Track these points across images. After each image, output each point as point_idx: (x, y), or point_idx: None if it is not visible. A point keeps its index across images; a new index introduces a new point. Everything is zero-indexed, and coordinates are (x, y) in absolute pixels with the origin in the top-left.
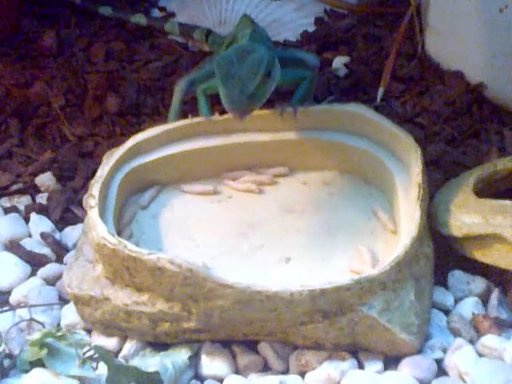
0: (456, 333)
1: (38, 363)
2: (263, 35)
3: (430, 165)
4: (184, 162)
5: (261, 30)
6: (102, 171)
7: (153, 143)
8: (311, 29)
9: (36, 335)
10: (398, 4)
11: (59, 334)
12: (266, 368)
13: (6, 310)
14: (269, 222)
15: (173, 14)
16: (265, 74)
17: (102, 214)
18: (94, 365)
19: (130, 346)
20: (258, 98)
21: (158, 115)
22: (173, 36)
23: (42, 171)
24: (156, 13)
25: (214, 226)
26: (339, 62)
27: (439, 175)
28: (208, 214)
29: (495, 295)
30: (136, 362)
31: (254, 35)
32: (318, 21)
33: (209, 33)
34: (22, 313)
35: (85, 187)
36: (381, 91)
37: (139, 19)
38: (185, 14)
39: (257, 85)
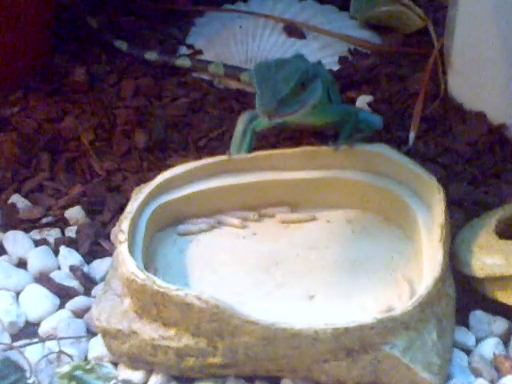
0: (477, 373)
1: None
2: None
3: (451, 204)
4: (211, 198)
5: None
6: (132, 207)
7: (181, 180)
8: (335, 67)
9: (65, 368)
10: (422, 44)
11: (88, 366)
12: None
13: (36, 342)
14: (293, 258)
15: (200, 52)
16: (299, 83)
17: (131, 249)
18: None
19: (155, 380)
20: (289, 105)
21: (185, 151)
22: (216, 77)
23: (72, 205)
24: (183, 50)
25: (238, 262)
26: (362, 101)
27: (461, 215)
28: (233, 250)
29: None
30: None
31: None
32: (342, 60)
33: None
34: (51, 345)
35: (113, 221)
36: (412, 135)
37: (183, 62)
38: (212, 51)
39: (289, 91)
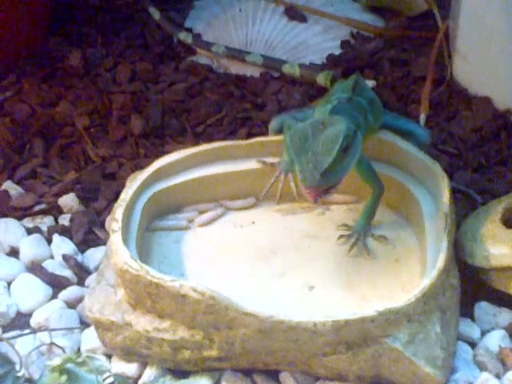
0: (482, 366)
1: None
2: (359, 103)
3: (456, 192)
4: (208, 185)
5: (360, 98)
6: (126, 195)
7: (176, 167)
8: (337, 52)
9: (56, 360)
10: (426, 28)
11: (79, 359)
12: None
13: (27, 334)
14: (292, 248)
15: (199, 35)
16: (342, 149)
17: (125, 238)
18: None
19: (150, 373)
20: (334, 176)
21: (182, 137)
22: (216, 59)
23: (66, 192)
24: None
25: (236, 251)
26: None
27: (466, 203)
28: (230, 239)
29: None
30: None
31: (342, 105)
32: (344, 44)
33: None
34: (43, 336)
35: (108, 209)
36: (423, 117)
37: (186, 37)
38: (210, 35)
39: (332, 161)
